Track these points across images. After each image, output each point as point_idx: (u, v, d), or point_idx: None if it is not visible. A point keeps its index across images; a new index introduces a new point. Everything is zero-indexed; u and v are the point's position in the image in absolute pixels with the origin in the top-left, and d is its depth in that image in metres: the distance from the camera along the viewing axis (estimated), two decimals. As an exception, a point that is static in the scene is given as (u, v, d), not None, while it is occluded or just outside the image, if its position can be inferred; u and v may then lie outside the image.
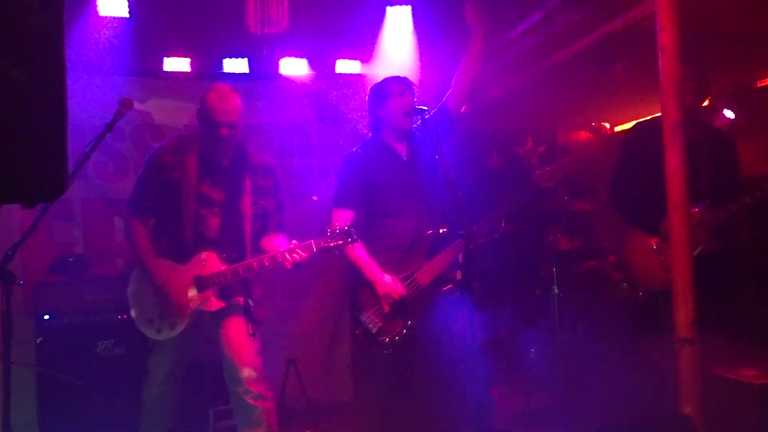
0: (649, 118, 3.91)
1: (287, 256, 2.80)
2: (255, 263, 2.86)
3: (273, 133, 4.36)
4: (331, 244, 2.79)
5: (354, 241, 2.79)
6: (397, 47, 4.24)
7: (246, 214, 2.99)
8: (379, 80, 3.36)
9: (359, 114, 4.37)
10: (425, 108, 2.98)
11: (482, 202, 3.48)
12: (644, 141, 3.35)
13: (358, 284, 3.14)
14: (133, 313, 2.98)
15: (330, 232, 2.80)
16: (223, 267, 2.90)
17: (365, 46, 4.31)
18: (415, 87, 3.30)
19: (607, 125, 6.59)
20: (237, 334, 2.95)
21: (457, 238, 3.01)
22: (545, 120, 6.27)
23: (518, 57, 4.44)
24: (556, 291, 4.22)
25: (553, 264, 4.28)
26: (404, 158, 3.25)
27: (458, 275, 3.18)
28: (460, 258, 3.14)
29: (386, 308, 3.02)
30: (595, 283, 4.57)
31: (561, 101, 5.41)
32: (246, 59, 4.24)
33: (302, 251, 2.80)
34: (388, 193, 3.18)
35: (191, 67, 4.13)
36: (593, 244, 5.00)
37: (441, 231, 3.13)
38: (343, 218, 3.15)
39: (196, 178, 2.92)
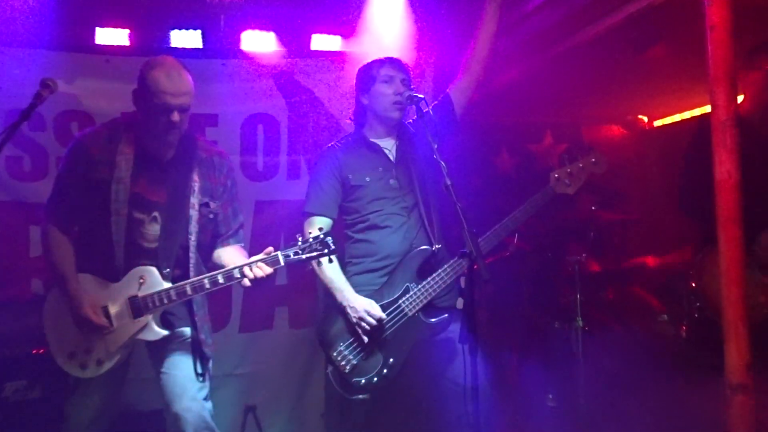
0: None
1: (247, 271, 2.75)
2: (206, 280, 2.80)
3: (232, 123, 4.28)
4: (303, 257, 2.74)
5: (331, 252, 2.74)
6: (388, 19, 4.18)
7: (193, 219, 2.94)
8: (366, 61, 3.33)
9: (340, 101, 4.34)
10: (421, 96, 2.94)
11: (489, 212, 3.45)
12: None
13: (329, 311, 3.11)
14: (50, 344, 2.91)
15: (301, 241, 2.76)
16: (166, 285, 2.85)
17: (348, 18, 4.24)
18: (408, 70, 3.28)
19: (644, 119, 6.62)
20: (182, 375, 2.89)
21: (459, 257, 2.99)
22: (567, 112, 6.27)
23: (535, 34, 4.42)
24: (580, 323, 4.20)
25: (576, 290, 4.27)
26: (392, 158, 3.23)
27: (459, 303, 3.16)
28: (462, 282, 3.13)
29: (364, 337, 2.99)
30: (628, 315, 4.56)
31: (587, 89, 5.39)
32: (199, 31, 4.16)
33: (266, 265, 2.75)
34: (369, 200, 3.15)
35: (130, 40, 4.04)
36: (626, 265, 4.99)
37: (434, 248, 3.11)
38: (318, 228, 3.11)
39: (130, 175, 2.88)
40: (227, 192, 3.09)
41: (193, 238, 2.94)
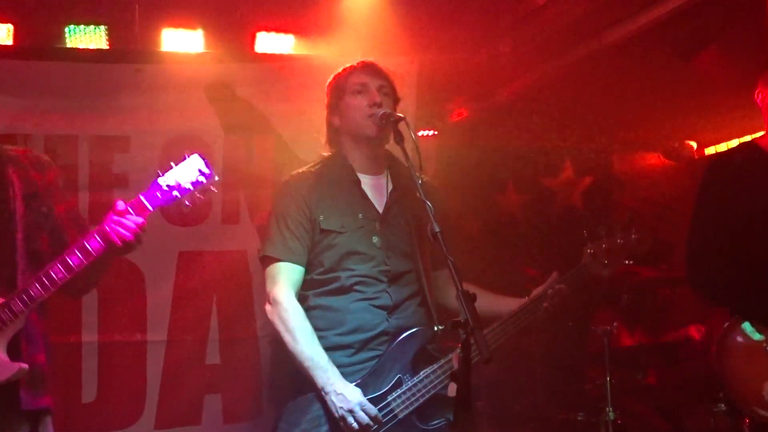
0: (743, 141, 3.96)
1: (108, 228, 2.66)
2: (56, 270, 2.69)
3: (149, 149, 4.24)
4: (181, 190, 2.66)
5: (210, 180, 2.66)
6: (354, 12, 4.24)
7: (17, 214, 2.88)
8: (331, 69, 3.35)
9: (293, 119, 4.33)
10: (401, 116, 2.98)
11: (490, 267, 3.46)
12: (735, 179, 3.41)
13: (296, 395, 3.07)
14: None
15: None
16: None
17: (302, 11, 4.31)
18: (388, 75, 3.30)
19: (693, 145, 6.70)
20: None
21: (451, 327, 2.99)
22: (593, 135, 6.34)
23: (550, 34, 4.48)
24: (611, 416, 4.19)
25: (606, 370, 4.27)
26: (379, 206, 3.24)
27: (451, 390, 3.14)
28: (455, 360, 3.12)
29: None
30: (673, 404, 4.56)
31: (618, 106, 5.46)
32: (103, 28, 4.20)
33: (134, 212, 2.66)
34: (341, 254, 3.13)
35: (14, 38, 4.07)
36: (670, 337, 5.01)
37: (436, 329, 3.07)
38: (287, 278, 3.11)
39: None
40: (59, 190, 3.04)
41: (20, 236, 2.88)
